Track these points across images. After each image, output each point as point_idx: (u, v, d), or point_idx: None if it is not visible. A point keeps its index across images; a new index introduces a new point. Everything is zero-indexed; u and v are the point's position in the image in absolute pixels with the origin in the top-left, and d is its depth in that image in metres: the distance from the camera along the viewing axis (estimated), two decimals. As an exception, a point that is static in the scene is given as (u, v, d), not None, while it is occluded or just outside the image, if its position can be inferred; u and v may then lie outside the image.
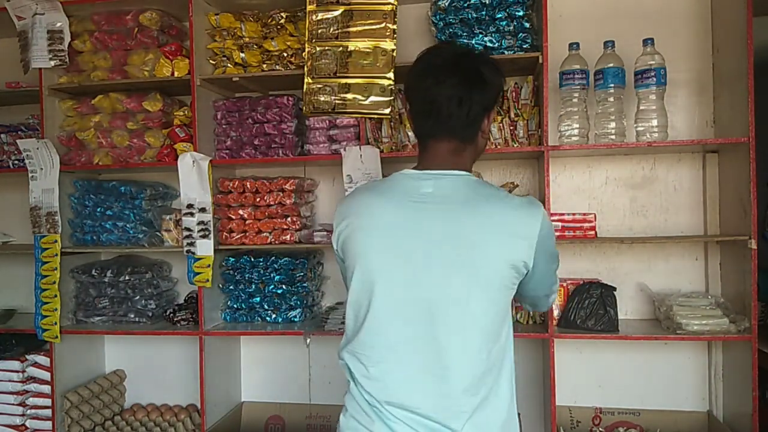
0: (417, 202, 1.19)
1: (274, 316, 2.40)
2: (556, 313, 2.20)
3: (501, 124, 2.21)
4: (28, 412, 2.53)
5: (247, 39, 2.34)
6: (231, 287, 2.43)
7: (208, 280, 2.30)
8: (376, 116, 2.20)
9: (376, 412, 1.19)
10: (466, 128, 1.23)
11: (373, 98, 2.16)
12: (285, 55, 2.31)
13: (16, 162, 2.62)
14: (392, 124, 2.25)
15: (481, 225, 1.16)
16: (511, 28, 2.13)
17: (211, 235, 2.30)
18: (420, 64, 1.25)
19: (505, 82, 1.27)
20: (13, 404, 2.51)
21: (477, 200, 1.18)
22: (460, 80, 1.19)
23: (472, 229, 1.16)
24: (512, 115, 2.21)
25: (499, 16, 2.12)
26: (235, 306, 2.45)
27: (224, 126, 2.39)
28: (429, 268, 1.16)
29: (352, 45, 2.17)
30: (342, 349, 1.27)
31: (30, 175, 2.41)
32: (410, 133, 2.24)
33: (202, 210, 2.30)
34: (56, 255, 2.41)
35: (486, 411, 1.17)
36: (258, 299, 2.41)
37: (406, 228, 1.18)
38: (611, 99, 2.09)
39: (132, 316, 2.49)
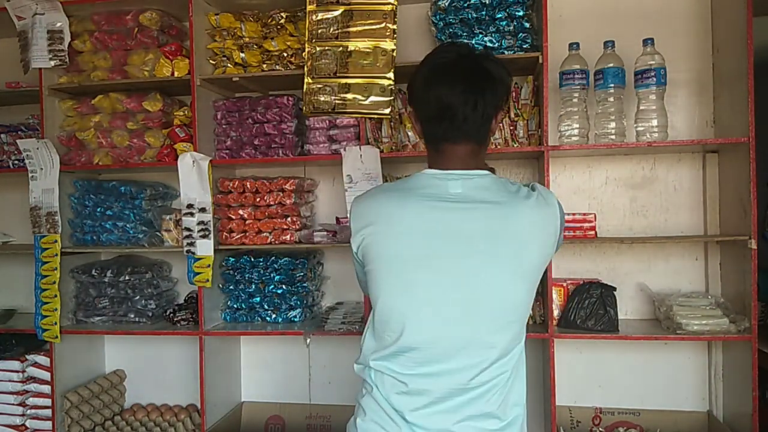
0: (449, 202, 1.18)
1: (274, 316, 2.40)
2: (556, 313, 2.20)
3: (501, 124, 2.21)
4: (28, 412, 2.53)
5: (247, 39, 2.34)
6: (231, 287, 2.43)
7: (208, 280, 2.30)
8: (376, 116, 2.20)
9: (403, 418, 1.19)
10: (480, 130, 1.23)
11: (373, 98, 2.16)
12: (285, 55, 2.31)
13: (16, 162, 2.62)
14: (392, 124, 2.25)
15: (518, 224, 1.18)
16: (511, 28, 2.13)
17: (211, 235, 2.30)
18: (425, 69, 1.24)
19: (511, 78, 1.27)
20: (13, 404, 2.51)
21: (508, 199, 1.20)
22: (472, 83, 1.19)
23: (510, 228, 1.17)
24: (512, 115, 2.21)
25: (499, 16, 2.12)
26: (235, 306, 2.45)
27: (224, 126, 2.39)
28: (471, 268, 1.16)
29: (352, 45, 2.17)
30: (370, 356, 1.24)
31: (30, 175, 2.41)
32: (410, 133, 2.24)
33: (202, 210, 2.30)
34: (56, 255, 2.41)
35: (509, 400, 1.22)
36: (258, 299, 2.41)
37: (442, 230, 1.17)
38: (611, 99, 2.09)
39: (132, 316, 2.49)
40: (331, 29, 2.18)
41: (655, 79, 2.02)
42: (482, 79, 1.20)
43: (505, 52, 2.13)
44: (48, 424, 2.48)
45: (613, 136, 2.09)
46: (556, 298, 2.20)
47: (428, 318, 1.17)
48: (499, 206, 1.18)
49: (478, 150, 1.25)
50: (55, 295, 2.41)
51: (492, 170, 1.28)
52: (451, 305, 1.16)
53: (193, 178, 2.30)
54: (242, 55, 2.34)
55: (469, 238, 1.16)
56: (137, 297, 2.50)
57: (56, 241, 2.42)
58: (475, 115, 1.19)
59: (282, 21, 2.32)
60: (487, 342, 1.18)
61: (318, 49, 2.19)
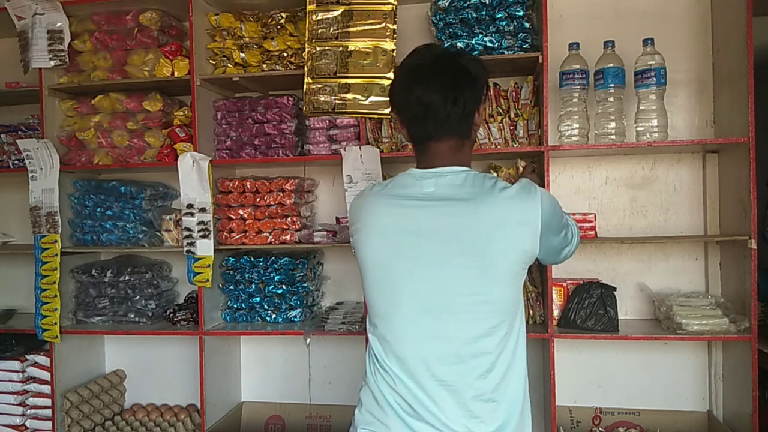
0: (419, 200, 1.23)
1: (274, 316, 2.40)
2: (556, 313, 2.20)
3: (501, 124, 2.21)
4: (28, 412, 2.53)
5: (247, 39, 2.34)
6: (231, 287, 2.43)
7: (208, 280, 2.30)
8: (376, 116, 2.20)
9: (390, 404, 1.23)
10: (462, 125, 1.27)
11: (373, 98, 2.16)
12: (285, 55, 2.31)
13: (16, 162, 2.62)
14: (392, 124, 2.25)
15: (485, 220, 1.19)
16: (511, 28, 2.13)
17: (211, 235, 2.30)
18: (403, 73, 1.30)
19: (487, 71, 1.30)
20: (13, 404, 2.51)
21: (478, 195, 1.21)
22: (451, 81, 1.24)
23: (477, 225, 1.19)
24: (512, 115, 2.21)
25: (499, 16, 2.12)
26: (235, 306, 2.45)
27: (224, 126, 2.39)
28: (436, 266, 1.20)
29: (352, 45, 2.17)
30: (369, 348, 1.32)
31: (30, 175, 2.41)
32: (410, 133, 2.23)
33: (202, 210, 2.30)
34: (56, 255, 2.41)
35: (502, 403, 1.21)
36: (258, 299, 2.41)
37: (409, 228, 1.22)
38: (611, 99, 2.09)
39: (132, 316, 2.49)
40: (331, 29, 2.18)
41: (655, 79, 2.02)
42: (459, 75, 1.24)
43: (505, 52, 2.13)
44: (48, 424, 2.48)
45: (613, 136, 2.09)
46: (556, 298, 2.20)
47: (398, 315, 1.24)
48: (467, 202, 1.20)
49: (461, 144, 1.29)
50: (55, 295, 2.41)
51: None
52: (418, 302, 1.22)
53: (193, 178, 2.30)
54: (242, 55, 2.34)
55: (436, 234, 1.20)
56: (137, 297, 2.50)
57: (56, 241, 2.42)
58: (456, 110, 1.24)
59: (282, 21, 2.32)
60: (458, 337, 1.20)
61: (318, 49, 2.19)
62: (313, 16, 2.20)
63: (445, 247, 1.19)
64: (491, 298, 1.20)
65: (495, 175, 1.30)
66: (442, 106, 1.23)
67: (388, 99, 2.14)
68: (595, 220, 2.21)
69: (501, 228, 1.19)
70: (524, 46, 2.14)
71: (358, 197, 1.35)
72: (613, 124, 2.09)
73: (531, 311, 2.24)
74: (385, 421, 1.23)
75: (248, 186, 2.34)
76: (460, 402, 1.19)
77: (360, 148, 2.19)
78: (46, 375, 2.48)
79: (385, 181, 1.34)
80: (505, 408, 1.21)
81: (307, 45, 2.20)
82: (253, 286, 2.41)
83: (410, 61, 1.31)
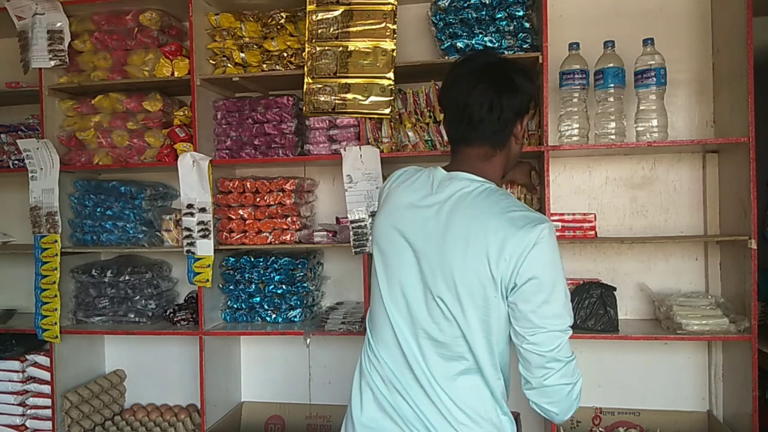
0: (427, 203, 1.24)
1: (274, 316, 2.40)
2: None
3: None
4: (28, 412, 2.53)
5: (247, 39, 2.34)
6: (231, 287, 2.43)
7: (208, 280, 2.30)
8: (376, 116, 2.20)
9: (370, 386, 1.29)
10: (497, 133, 1.25)
11: (373, 98, 2.16)
12: (285, 55, 2.31)
13: (16, 162, 2.62)
14: (392, 124, 2.25)
15: (466, 234, 1.16)
16: (511, 28, 2.13)
17: (211, 235, 2.30)
18: (453, 72, 1.29)
19: (535, 85, 1.29)
20: (13, 404, 2.51)
21: (483, 211, 1.18)
22: (490, 86, 1.22)
23: (464, 237, 1.17)
24: (512, 115, 2.21)
25: (499, 16, 2.12)
26: (235, 306, 2.45)
27: (224, 126, 2.39)
28: (409, 270, 1.24)
29: (352, 45, 2.17)
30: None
31: (30, 175, 2.41)
32: (410, 133, 2.24)
33: (202, 210, 2.30)
34: (56, 255, 2.41)
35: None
36: (258, 299, 2.41)
37: (409, 229, 1.25)
38: (611, 99, 2.09)
39: (132, 316, 2.49)
40: (331, 29, 2.18)
41: (655, 79, 2.02)
42: (501, 83, 1.23)
43: (505, 52, 2.13)
44: (48, 424, 2.48)
45: (613, 136, 2.09)
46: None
47: (379, 308, 1.29)
48: (466, 216, 1.18)
49: (492, 153, 1.27)
50: (55, 295, 2.41)
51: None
52: (395, 303, 1.25)
53: (193, 178, 2.30)
54: (242, 55, 2.34)
55: (420, 239, 1.22)
56: (137, 297, 2.49)
57: (56, 241, 2.42)
58: (491, 117, 1.22)
59: (282, 21, 2.32)
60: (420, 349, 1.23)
61: (318, 49, 2.19)
62: (313, 16, 2.20)
63: (426, 253, 1.21)
64: (454, 320, 1.19)
65: (515, 198, 1.26)
66: (477, 111, 1.22)
67: (388, 99, 2.16)
68: (595, 220, 2.21)
69: (476, 245, 1.15)
70: (524, 46, 2.14)
71: (388, 180, 1.38)
72: (613, 124, 2.09)
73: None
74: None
75: (248, 186, 2.34)
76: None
77: (360, 148, 2.19)
78: (46, 375, 2.48)
79: (414, 169, 1.34)
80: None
81: (307, 45, 2.20)
82: (253, 286, 2.41)
83: (462, 62, 1.30)
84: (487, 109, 1.22)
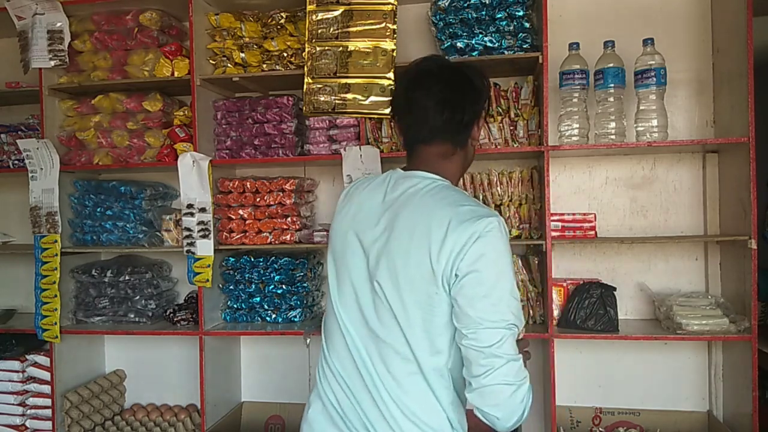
0: (381, 201, 1.26)
1: (274, 316, 2.40)
2: (556, 313, 2.20)
3: (501, 124, 2.21)
4: (28, 412, 2.53)
5: (247, 39, 2.34)
6: (231, 287, 2.43)
7: (208, 280, 2.30)
8: (376, 116, 2.20)
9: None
10: (458, 133, 1.26)
11: (373, 98, 2.16)
12: (285, 55, 2.31)
13: (16, 162, 2.62)
14: (392, 124, 2.25)
15: (412, 226, 1.16)
16: (511, 28, 2.13)
17: (211, 235, 2.30)
18: (406, 77, 1.30)
19: (490, 87, 1.31)
20: (13, 404, 2.51)
21: (434, 205, 1.17)
22: (448, 86, 1.24)
23: (402, 230, 1.17)
24: (512, 115, 2.21)
25: (499, 16, 2.12)
26: (235, 306, 2.45)
27: (224, 126, 2.39)
28: (359, 267, 1.24)
29: (352, 45, 2.17)
30: None
31: (30, 175, 2.41)
32: (410, 133, 2.23)
33: (202, 210, 2.30)
34: (56, 255, 2.41)
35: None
36: (258, 299, 2.41)
37: (357, 227, 1.27)
38: (611, 99, 2.09)
39: (132, 316, 2.49)
40: (331, 29, 2.18)
41: (655, 79, 2.02)
42: (460, 83, 1.25)
43: (505, 52, 2.13)
44: (48, 424, 2.48)
45: (613, 136, 2.09)
46: (556, 298, 2.20)
47: (331, 316, 1.31)
48: (415, 210, 1.18)
49: (452, 152, 1.27)
50: (55, 295, 2.41)
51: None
52: (344, 310, 1.26)
53: (193, 178, 2.30)
54: (242, 55, 2.34)
55: (374, 235, 1.22)
56: (137, 297, 2.49)
57: (56, 241, 2.41)
58: (453, 116, 1.23)
59: (282, 21, 2.32)
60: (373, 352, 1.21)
61: (318, 49, 2.19)
62: (313, 16, 2.19)
63: (375, 251, 1.21)
64: (401, 314, 1.17)
65: (469, 195, 1.24)
66: (438, 111, 1.23)
67: (388, 99, 2.15)
68: (595, 220, 2.21)
69: (421, 237, 1.14)
70: (524, 46, 2.14)
71: (345, 189, 1.41)
72: (613, 124, 2.09)
73: (531, 311, 2.24)
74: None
75: (248, 186, 2.34)
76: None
77: (360, 148, 2.19)
78: (46, 375, 2.48)
79: (375, 176, 1.36)
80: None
81: (307, 45, 2.20)
82: (253, 286, 2.41)
83: (413, 67, 1.31)
84: (450, 109, 1.23)
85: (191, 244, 2.31)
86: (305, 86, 2.20)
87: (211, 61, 2.40)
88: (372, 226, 1.23)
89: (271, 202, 2.33)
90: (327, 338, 1.31)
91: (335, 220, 1.34)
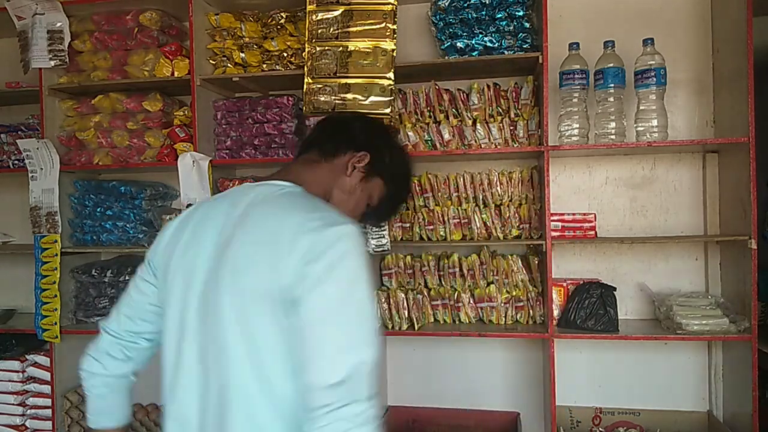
0: (231, 210, 1.09)
1: (274, 316, 2.40)
2: (556, 313, 2.20)
3: (501, 124, 2.20)
4: (28, 412, 2.53)
5: (247, 39, 2.34)
6: (231, 287, 2.42)
7: (208, 280, 2.30)
8: (376, 116, 2.19)
9: None
10: (328, 145, 1.25)
11: (373, 98, 2.16)
12: (285, 55, 2.31)
13: (16, 162, 2.62)
14: (392, 124, 2.25)
15: (256, 236, 1.00)
16: (511, 28, 2.13)
17: (211, 235, 2.29)
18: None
19: (372, 138, 1.30)
20: (13, 404, 2.51)
21: (280, 210, 1.03)
22: (334, 122, 1.37)
23: (244, 240, 1.01)
24: (512, 115, 2.21)
25: (499, 16, 2.12)
26: (235, 306, 2.44)
27: (224, 126, 2.39)
28: (198, 284, 1.06)
29: (352, 45, 2.17)
30: None
31: (30, 175, 2.41)
32: (410, 133, 2.24)
33: (202, 210, 2.30)
34: (56, 255, 2.41)
35: None
36: (258, 299, 2.41)
37: (197, 235, 1.11)
38: (611, 99, 2.09)
39: (132, 316, 2.49)
40: (331, 29, 2.18)
41: (655, 79, 2.02)
42: (342, 123, 1.35)
43: (505, 52, 2.13)
44: (48, 424, 2.48)
45: (613, 136, 2.09)
46: (556, 298, 2.20)
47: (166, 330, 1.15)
48: (258, 217, 1.03)
49: (318, 161, 1.22)
50: (55, 295, 2.41)
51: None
52: (179, 320, 1.09)
53: (193, 178, 2.30)
54: (242, 55, 2.34)
55: (208, 248, 1.06)
56: (137, 297, 2.49)
57: (56, 241, 2.42)
58: (324, 128, 1.32)
59: (282, 21, 2.32)
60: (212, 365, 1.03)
61: (318, 49, 2.19)
62: (313, 16, 2.19)
63: (212, 263, 1.05)
64: (237, 329, 0.99)
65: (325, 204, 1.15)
66: (317, 131, 1.33)
67: (388, 99, 2.15)
68: (595, 220, 2.21)
69: (266, 247, 0.97)
70: (524, 46, 2.14)
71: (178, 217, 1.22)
72: (613, 124, 2.09)
73: (531, 311, 2.24)
74: None
75: (248, 186, 2.34)
76: None
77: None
78: (46, 375, 2.48)
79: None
80: None
81: (307, 45, 2.20)
82: (253, 286, 2.40)
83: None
84: (328, 132, 1.29)
85: (191, 244, 2.31)
86: (305, 86, 2.20)
87: (211, 61, 2.40)
88: (209, 242, 1.07)
89: (271, 202, 2.33)
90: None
91: (162, 251, 1.16)
